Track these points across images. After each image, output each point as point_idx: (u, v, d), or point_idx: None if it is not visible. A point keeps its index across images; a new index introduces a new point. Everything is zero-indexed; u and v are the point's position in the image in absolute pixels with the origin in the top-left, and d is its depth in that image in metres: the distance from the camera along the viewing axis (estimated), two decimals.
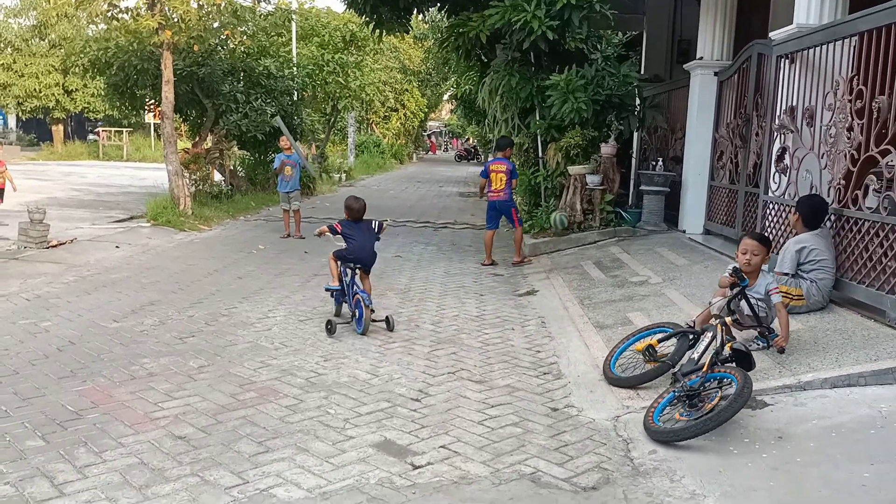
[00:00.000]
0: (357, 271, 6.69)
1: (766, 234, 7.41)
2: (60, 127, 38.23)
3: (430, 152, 65.22)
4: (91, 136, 39.89)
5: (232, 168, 18.14)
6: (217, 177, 17.61)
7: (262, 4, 18.30)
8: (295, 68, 19.88)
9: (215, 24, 15.84)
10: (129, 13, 13.83)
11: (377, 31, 13.81)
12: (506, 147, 10.33)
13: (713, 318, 4.73)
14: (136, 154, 36.49)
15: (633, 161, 13.56)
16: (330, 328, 6.38)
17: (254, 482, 3.62)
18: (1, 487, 3.51)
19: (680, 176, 10.84)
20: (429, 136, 67.38)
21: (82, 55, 16.48)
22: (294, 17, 22.34)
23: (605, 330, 6.24)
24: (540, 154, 11.91)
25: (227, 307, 7.29)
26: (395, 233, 13.52)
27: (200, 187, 15.74)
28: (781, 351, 4.85)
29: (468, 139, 59.74)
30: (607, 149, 10.81)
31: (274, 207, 16.46)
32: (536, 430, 4.29)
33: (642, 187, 11.05)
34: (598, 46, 11.59)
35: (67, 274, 8.79)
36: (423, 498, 3.48)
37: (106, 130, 38.08)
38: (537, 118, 11.64)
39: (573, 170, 10.89)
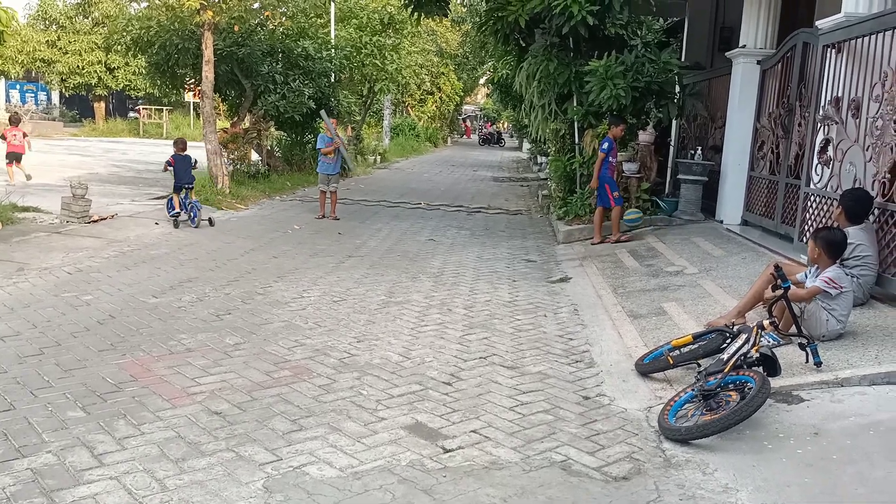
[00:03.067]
0: (187, 190, 11.02)
1: (805, 227, 7.30)
2: (102, 104, 38.82)
3: (464, 136, 65.05)
4: (132, 114, 40.46)
5: (269, 148, 18.29)
6: (254, 156, 17.79)
7: None
8: (333, 50, 19.92)
9: (255, 5, 15.97)
10: None
11: (415, 13, 13.78)
12: (610, 126, 10.09)
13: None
14: (176, 132, 36.79)
15: (671, 149, 13.39)
16: (176, 225, 10.64)
17: (287, 459, 3.68)
18: (43, 456, 3.62)
19: (719, 165, 10.69)
20: (464, 119, 67.15)
21: (125, 33, 16.66)
22: None
23: (639, 319, 6.19)
24: (576, 140, 11.80)
25: (263, 286, 7.38)
26: (428, 216, 13.55)
27: (238, 167, 15.93)
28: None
29: (491, 123, 59.42)
30: (645, 136, 10.69)
31: (310, 188, 16.59)
32: (567, 418, 4.29)
33: (680, 176, 10.91)
34: (639, 32, 11.46)
35: (108, 249, 8.97)
36: (453, 482, 3.51)
37: (146, 108, 38.59)
38: (575, 104, 11.54)
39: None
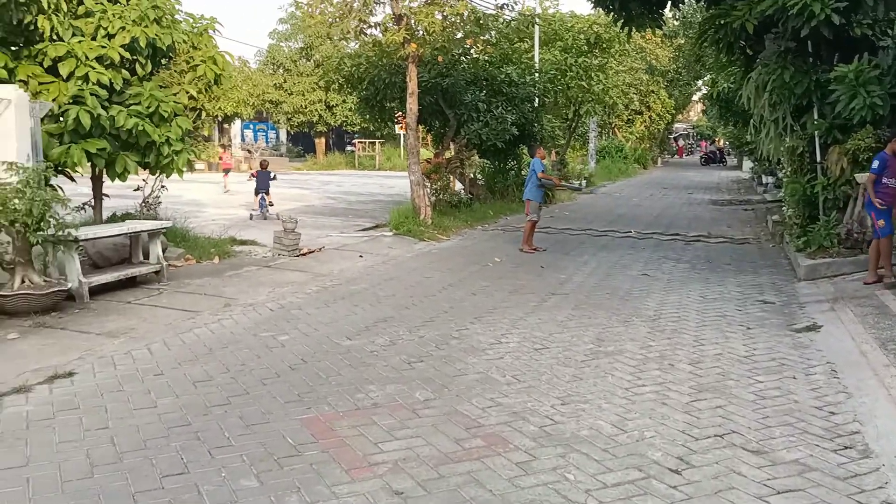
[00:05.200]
0: (263, 194, 15.20)
1: None
2: (322, 139, 41.53)
3: (676, 156, 62.02)
4: (349, 148, 42.87)
5: (472, 177, 18.09)
6: (457, 186, 17.66)
7: (506, 11, 18.07)
8: (536, 74, 19.41)
9: (458, 35, 15.83)
10: (378, 28, 14.22)
11: (625, 28, 12.86)
12: (888, 140, 8.36)
13: None
14: (387, 163, 38.52)
15: None
16: (261, 217, 15.05)
17: None
18: None
19: None
20: (675, 138, 64.07)
21: (338, 72, 17.33)
22: (537, 21, 21.93)
23: None
24: (818, 159, 10.19)
25: (459, 328, 6.82)
26: (639, 246, 12.44)
27: (440, 196, 15.78)
28: None
29: (715, 140, 56.03)
30: None
31: (512, 216, 16.11)
32: None
33: None
34: (889, 31, 9.65)
35: (311, 283, 8.93)
36: None
37: (361, 142, 40.66)
38: (815, 117, 9.98)
39: (863, 178, 9.10)
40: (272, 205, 15.56)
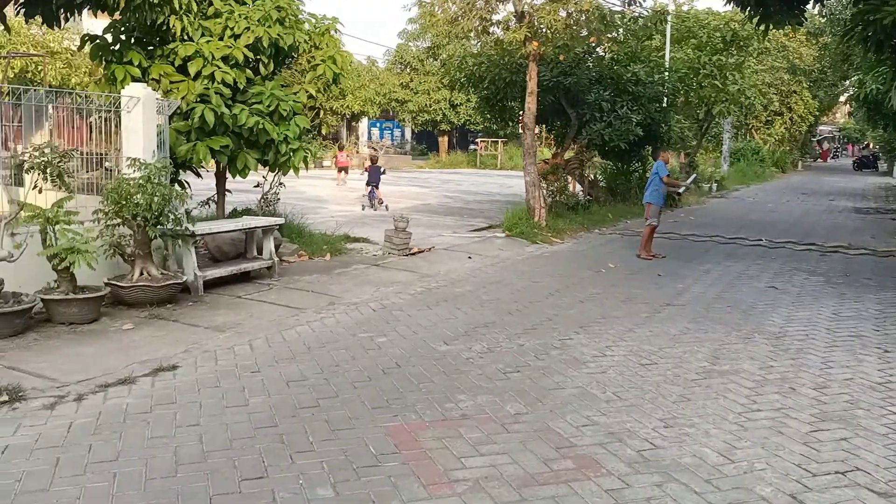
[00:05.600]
0: (373, 187, 16.80)
1: None
2: (445, 138, 41.82)
3: (819, 160, 58.21)
4: (471, 147, 42.98)
5: (592, 178, 17.58)
6: (577, 187, 17.22)
7: (634, 8, 17.40)
8: (666, 73, 18.59)
9: (582, 33, 15.39)
10: (500, 26, 14.04)
11: (762, 24, 12.01)
12: None
13: None
14: (509, 163, 38.27)
15: None
16: (369, 207, 16.63)
17: None
18: None
19: None
20: (818, 141, 60.14)
21: (460, 71, 17.30)
22: (669, 18, 21.04)
23: None
24: None
25: (562, 337, 6.53)
26: (770, 256, 11.62)
27: (557, 198, 15.40)
28: None
29: (868, 144, 52.22)
30: None
31: (632, 220, 15.51)
32: None
33: None
34: None
35: (417, 284, 8.87)
36: None
37: (483, 141, 40.64)
38: None
39: None
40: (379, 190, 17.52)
